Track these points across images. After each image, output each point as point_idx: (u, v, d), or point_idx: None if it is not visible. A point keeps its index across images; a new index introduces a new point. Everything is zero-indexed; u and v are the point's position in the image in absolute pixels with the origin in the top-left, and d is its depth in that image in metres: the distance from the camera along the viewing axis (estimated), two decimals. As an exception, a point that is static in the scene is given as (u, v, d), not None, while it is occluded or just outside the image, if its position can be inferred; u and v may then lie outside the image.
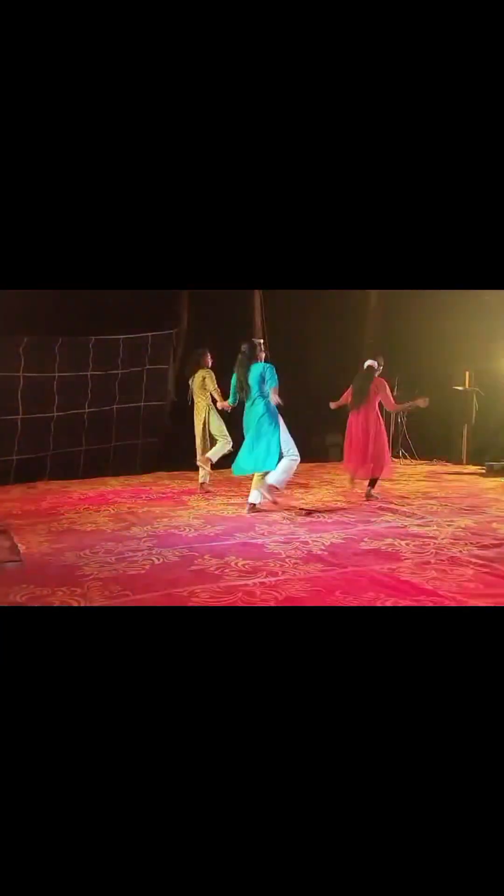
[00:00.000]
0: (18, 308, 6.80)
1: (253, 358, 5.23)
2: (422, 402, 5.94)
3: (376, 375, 5.84)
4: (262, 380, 5.13)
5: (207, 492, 6.38)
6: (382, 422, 5.92)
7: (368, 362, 5.92)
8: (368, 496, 5.81)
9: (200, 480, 6.48)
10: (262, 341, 5.47)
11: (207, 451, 6.40)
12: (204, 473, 6.45)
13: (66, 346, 7.42)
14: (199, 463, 6.46)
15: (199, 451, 6.46)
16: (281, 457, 5.07)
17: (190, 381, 6.53)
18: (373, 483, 5.88)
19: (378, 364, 5.89)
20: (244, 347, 5.29)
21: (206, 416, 6.41)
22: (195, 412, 6.49)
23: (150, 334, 8.02)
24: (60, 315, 7.23)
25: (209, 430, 6.42)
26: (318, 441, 9.03)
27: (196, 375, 6.43)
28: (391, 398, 5.84)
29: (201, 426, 6.43)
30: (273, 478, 5.06)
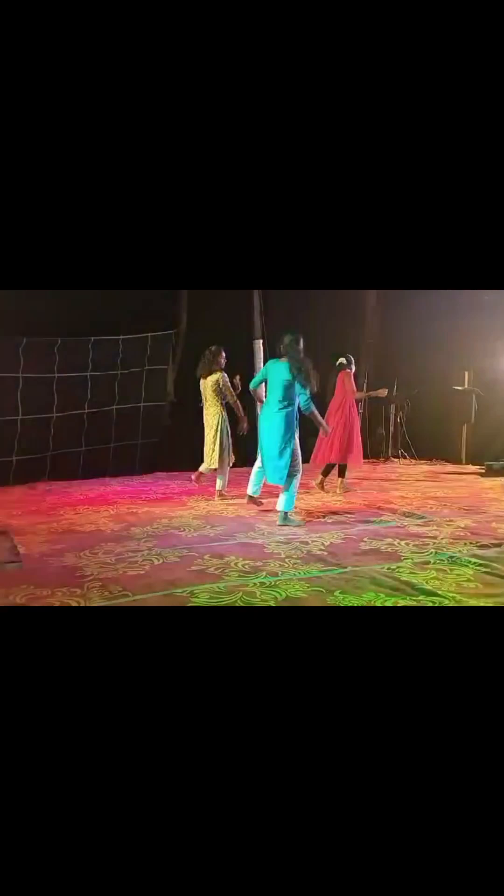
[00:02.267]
0: (18, 308, 6.79)
1: (294, 354, 4.66)
2: (381, 392, 6.75)
3: (345, 370, 6.33)
4: (289, 386, 4.67)
5: (200, 478, 6.16)
6: (357, 415, 6.31)
7: (340, 360, 6.43)
8: (342, 488, 5.94)
9: (201, 471, 6.16)
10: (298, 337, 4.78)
11: (214, 460, 5.99)
12: (207, 467, 6.09)
13: (66, 347, 7.41)
14: (201, 471, 6.12)
15: (207, 458, 6.05)
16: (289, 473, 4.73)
17: (201, 382, 6.08)
18: (342, 472, 6.11)
19: (346, 360, 6.41)
20: (287, 339, 4.72)
21: (218, 424, 5.96)
22: (206, 416, 6.06)
23: (149, 335, 8.02)
24: (60, 315, 7.22)
25: (220, 439, 5.95)
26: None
27: (209, 378, 5.98)
28: (352, 387, 6.34)
29: (213, 433, 5.97)
30: (283, 504, 4.69)
